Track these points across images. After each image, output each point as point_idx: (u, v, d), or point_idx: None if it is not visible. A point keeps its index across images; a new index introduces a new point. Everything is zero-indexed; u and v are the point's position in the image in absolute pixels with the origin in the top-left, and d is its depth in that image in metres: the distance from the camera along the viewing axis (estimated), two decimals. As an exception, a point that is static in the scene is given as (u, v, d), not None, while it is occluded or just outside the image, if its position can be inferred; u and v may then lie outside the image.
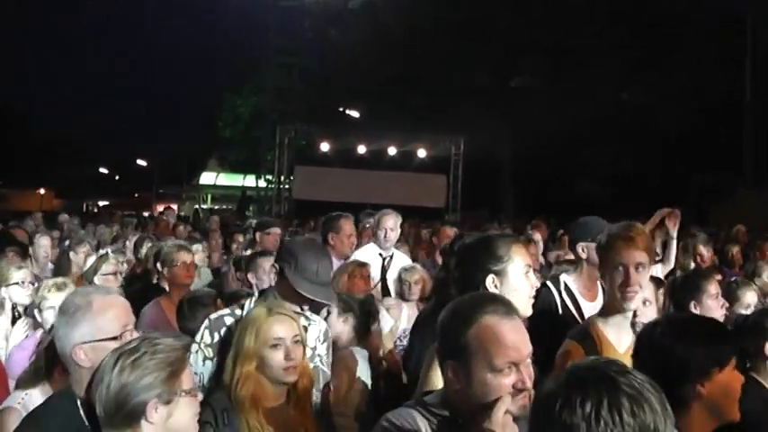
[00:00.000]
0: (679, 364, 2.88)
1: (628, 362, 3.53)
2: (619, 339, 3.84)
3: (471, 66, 34.32)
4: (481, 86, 34.97)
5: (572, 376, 2.06)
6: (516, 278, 3.68)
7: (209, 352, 4.21)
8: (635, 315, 4.73)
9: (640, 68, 31.72)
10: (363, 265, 6.77)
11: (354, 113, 40.49)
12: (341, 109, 40.53)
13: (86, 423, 2.95)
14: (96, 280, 6.42)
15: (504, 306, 2.73)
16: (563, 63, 33.30)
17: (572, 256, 6.19)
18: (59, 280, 5.75)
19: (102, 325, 3.07)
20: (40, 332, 5.34)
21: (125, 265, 7.56)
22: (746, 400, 3.78)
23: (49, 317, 5.20)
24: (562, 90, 32.39)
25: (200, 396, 2.93)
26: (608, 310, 3.93)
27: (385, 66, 35.54)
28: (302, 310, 4.33)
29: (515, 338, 2.64)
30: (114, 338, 3.05)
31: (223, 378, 3.77)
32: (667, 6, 31.43)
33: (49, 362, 3.38)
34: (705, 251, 9.71)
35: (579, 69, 32.85)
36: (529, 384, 2.60)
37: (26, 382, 3.50)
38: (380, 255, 8.02)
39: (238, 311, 4.31)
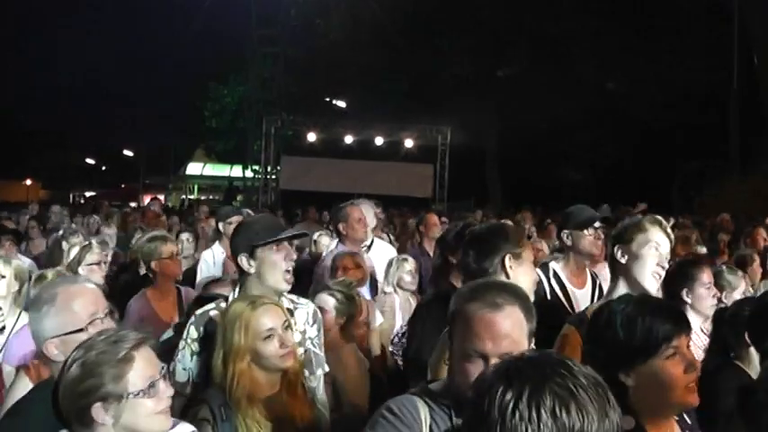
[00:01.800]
0: (603, 356, 2.74)
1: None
2: None
3: (457, 55, 34.29)
4: (467, 76, 34.93)
5: (509, 363, 1.92)
6: (529, 263, 3.89)
7: (197, 347, 4.19)
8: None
9: (626, 57, 31.70)
10: (353, 254, 6.73)
11: (341, 104, 40.43)
12: (327, 99, 40.46)
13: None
14: (81, 270, 6.39)
15: (502, 296, 2.67)
16: (548, 52, 33.28)
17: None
18: (60, 269, 5.76)
19: (67, 317, 3.06)
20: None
21: (109, 256, 7.51)
22: (720, 379, 3.93)
23: None
24: (548, 79, 32.38)
25: (166, 391, 2.80)
26: (614, 293, 3.91)
27: (371, 56, 35.46)
28: (282, 294, 4.31)
29: (494, 330, 2.59)
30: (81, 330, 3.03)
31: (214, 376, 3.75)
32: None
33: None
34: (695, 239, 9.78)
35: (564, 57, 32.85)
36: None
37: None
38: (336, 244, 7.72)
39: (223, 304, 4.28)
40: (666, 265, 4.10)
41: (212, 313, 4.27)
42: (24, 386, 3.47)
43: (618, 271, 4.01)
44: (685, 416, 3.02)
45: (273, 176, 33.84)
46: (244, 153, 40.36)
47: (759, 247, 9.29)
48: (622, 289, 3.94)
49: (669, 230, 4.00)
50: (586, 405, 1.78)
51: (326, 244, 8.12)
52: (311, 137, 32.21)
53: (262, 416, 3.63)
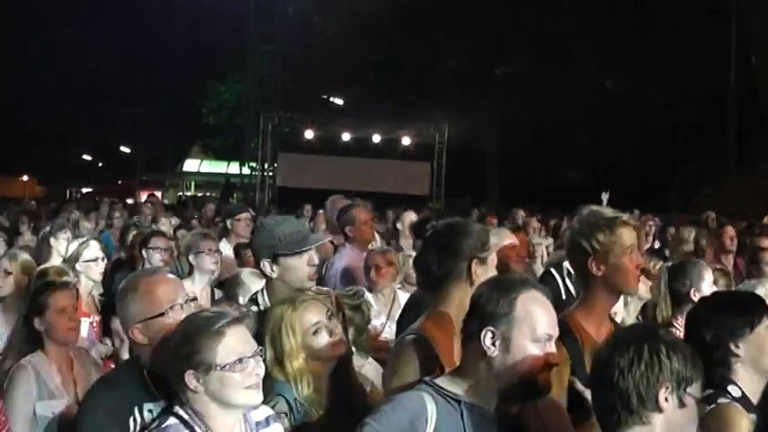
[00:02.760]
0: (713, 333, 3.37)
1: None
2: (598, 331, 3.69)
3: (456, 53, 34.28)
4: (465, 74, 34.93)
5: (621, 333, 2.73)
6: (492, 267, 3.77)
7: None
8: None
9: (626, 56, 31.71)
10: (384, 251, 6.75)
11: (339, 101, 40.42)
12: (325, 97, 40.44)
13: (154, 391, 3.19)
14: (78, 267, 6.39)
15: (542, 290, 2.96)
16: (547, 51, 33.29)
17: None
18: (62, 266, 5.77)
19: (149, 303, 3.26)
20: None
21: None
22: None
23: None
24: (547, 78, 32.39)
25: (257, 369, 2.99)
26: (593, 303, 3.73)
27: (369, 54, 35.43)
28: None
29: (552, 315, 2.88)
30: (162, 314, 3.24)
31: (274, 374, 3.75)
32: None
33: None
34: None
35: (564, 57, 32.86)
36: (559, 361, 2.88)
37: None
38: (332, 242, 7.45)
39: (254, 308, 4.31)
40: (643, 264, 4.01)
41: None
42: None
43: (593, 282, 3.71)
44: None
45: (270, 173, 33.83)
46: (241, 150, 40.36)
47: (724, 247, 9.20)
48: (603, 298, 3.72)
49: (635, 224, 3.82)
50: (684, 351, 2.53)
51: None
52: (308, 134, 32.20)
53: (325, 403, 3.70)
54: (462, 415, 2.75)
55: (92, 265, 6.46)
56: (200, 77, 48.27)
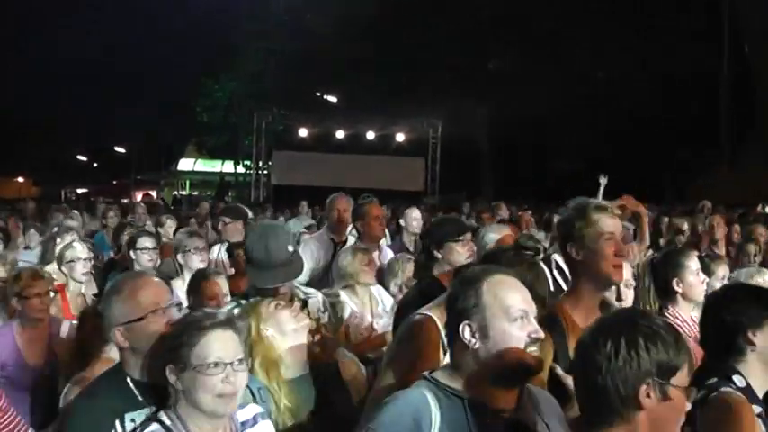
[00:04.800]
0: (734, 317, 3.39)
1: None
2: (587, 320, 3.60)
3: (448, 48, 34.20)
4: (458, 68, 34.85)
5: (600, 323, 2.56)
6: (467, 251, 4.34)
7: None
8: (620, 297, 4.76)
9: (617, 47, 31.64)
10: (363, 250, 6.58)
11: (332, 98, 40.40)
12: (318, 94, 40.41)
13: (140, 398, 3.12)
14: (63, 268, 6.43)
15: (509, 271, 2.99)
16: (539, 43, 33.22)
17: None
18: (36, 269, 5.74)
19: (130, 307, 3.22)
20: (15, 320, 5.32)
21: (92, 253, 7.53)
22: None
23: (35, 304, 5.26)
24: (538, 70, 32.35)
25: (238, 378, 2.92)
26: (579, 291, 3.78)
27: (362, 50, 35.38)
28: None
29: (523, 292, 2.88)
30: (142, 318, 3.19)
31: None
32: None
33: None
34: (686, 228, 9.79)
35: (555, 49, 32.78)
36: (542, 335, 2.83)
37: None
38: (332, 240, 7.57)
39: (243, 301, 4.40)
40: (626, 253, 4.02)
41: (235, 311, 4.38)
42: None
43: (576, 269, 3.80)
44: None
45: (265, 171, 33.83)
46: (235, 148, 40.32)
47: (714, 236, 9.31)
48: (587, 287, 3.75)
49: (616, 211, 3.79)
50: (667, 336, 2.39)
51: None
52: (302, 132, 32.23)
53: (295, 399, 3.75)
54: (466, 412, 2.75)
55: (75, 265, 6.49)
56: (195, 76, 48.08)
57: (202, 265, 6.60)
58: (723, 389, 3.26)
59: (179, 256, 6.74)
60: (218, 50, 43.26)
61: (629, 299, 4.81)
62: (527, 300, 2.86)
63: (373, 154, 32.61)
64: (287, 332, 3.83)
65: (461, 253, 5.08)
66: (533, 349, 2.78)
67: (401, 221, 9.74)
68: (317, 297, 4.72)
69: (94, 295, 6.60)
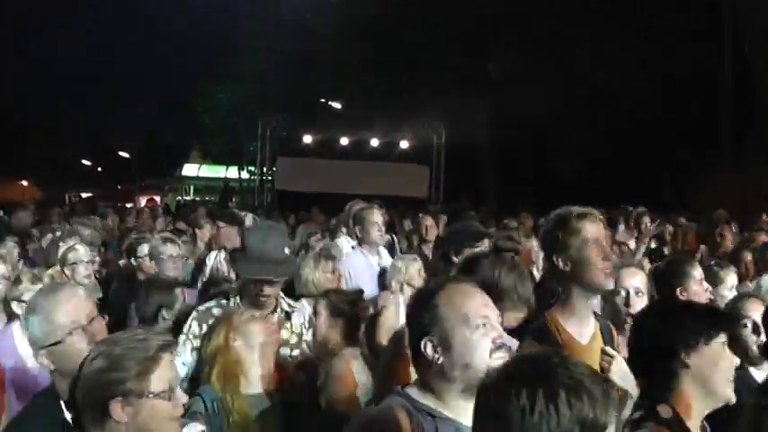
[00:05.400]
0: (668, 337, 3.12)
1: (591, 353, 3.57)
2: (580, 331, 3.72)
3: (448, 48, 34.04)
4: (461, 73, 34.73)
5: (511, 368, 2.10)
6: None
7: (198, 342, 4.26)
8: (628, 303, 4.73)
9: (617, 48, 31.43)
10: (328, 257, 6.48)
11: (336, 105, 40.40)
12: (323, 100, 40.41)
13: (71, 424, 2.91)
14: (66, 270, 6.46)
15: (465, 279, 2.94)
16: (539, 45, 33.03)
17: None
18: (34, 271, 5.73)
19: (48, 328, 3.07)
20: (16, 323, 5.31)
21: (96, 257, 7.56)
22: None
23: None
24: (540, 74, 32.20)
25: (182, 399, 2.81)
26: (570, 301, 3.74)
27: (362, 50, 35.28)
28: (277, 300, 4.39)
29: (482, 298, 2.78)
30: (59, 342, 3.04)
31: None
32: None
33: None
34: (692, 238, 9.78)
35: (556, 52, 32.58)
36: (506, 341, 2.74)
37: None
38: (353, 247, 7.70)
39: (224, 301, 4.37)
40: (612, 258, 3.89)
41: (215, 311, 4.35)
42: None
43: (564, 280, 3.74)
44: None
45: (269, 177, 33.83)
46: (239, 154, 40.31)
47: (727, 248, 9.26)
48: (577, 296, 3.71)
49: (599, 218, 3.76)
50: (593, 388, 1.97)
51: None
52: (306, 138, 32.23)
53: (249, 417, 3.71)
54: (437, 429, 2.67)
55: (77, 267, 6.51)
56: (196, 76, 47.93)
57: (176, 273, 6.61)
58: (647, 424, 3.04)
59: (152, 263, 6.77)
60: (218, 51, 43.12)
61: (637, 307, 4.77)
62: (487, 305, 2.79)
63: (377, 160, 32.60)
64: (254, 345, 3.81)
65: None
66: (500, 355, 2.67)
67: (421, 230, 9.72)
68: (302, 312, 4.68)
69: (99, 300, 6.61)
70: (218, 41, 42.07)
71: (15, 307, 5.30)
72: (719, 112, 30.15)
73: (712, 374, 3.10)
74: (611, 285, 3.81)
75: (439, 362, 2.70)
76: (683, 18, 30.04)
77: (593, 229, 3.68)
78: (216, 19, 41.13)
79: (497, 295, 3.56)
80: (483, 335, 2.69)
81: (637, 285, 4.87)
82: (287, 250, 4.52)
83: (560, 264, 3.69)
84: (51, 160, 65.74)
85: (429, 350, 2.71)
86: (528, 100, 31.06)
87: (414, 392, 2.77)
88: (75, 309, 3.15)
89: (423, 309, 2.77)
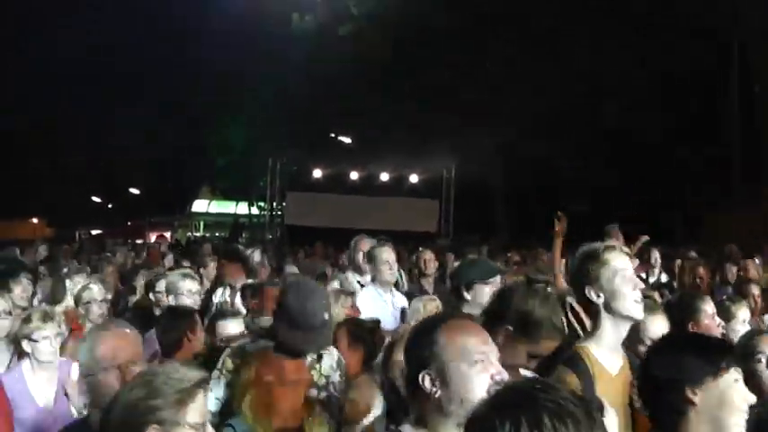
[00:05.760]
0: (673, 371, 3.03)
1: (620, 384, 3.60)
2: (611, 362, 3.78)
3: (459, 88, 34.04)
4: (471, 110, 34.71)
5: (495, 398, 2.09)
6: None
7: (231, 377, 4.35)
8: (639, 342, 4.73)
9: (614, 43, 31.24)
10: (347, 294, 6.60)
11: (346, 139, 40.53)
12: (332, 135, 40.54)
13: None
14: (80, 308, 6.51)
15: (463, 316, 3.04)
16: (536, 40, 32.70)
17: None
18: (46, 309, 5.73)
19: (88, 360, 3.21)
20: (26, 362, 5.31)
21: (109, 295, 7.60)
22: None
23: (44, 347, 5.21)
24: (537, 68, 31.97)
25: None
26: (602, 333, 3.79)
27: (374, 90, 35.31)
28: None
29: (482, 334, 2.83)
30: (93, 375, 3.15)
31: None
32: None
33: None
34: (703, 272, 9.71)
35: (552, 44, 32.29)
36: (505, 376, 2.74)
37: None
38: (358, 282, 7.71)
39: (261, 342, 4.41)
40: (641, 286, 3.95)
41: (248, 347, 4.41)
42: None
43: (597, 311, 3.80)
44: None
45: (279, 212, 33.90)
46: (249, 190, 40.44)
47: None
48: (609, 327, 3.77)
49: (625, 250, 3.91)
50: (577, 412, 1.94)
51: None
52: (317, 173, 32.32)
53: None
54: None
55: (91, 306, 6.56)
56: (207, 117, 48.09)
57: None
58: None
59: (170, 298, 6.79)
60: (230, 92, 43.27)
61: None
62: (486, 341, 2.82)
63: (387, 195, 32.64)
64: (287, 383, 3.85)
65: (490, 295, 5.08)
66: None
67: (420, 265, 9.76)
68: (332, 354, 4.71)
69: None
70: (231, 83, 42.22)
71: (26, 345, 5.29)
72: (731, 147, 30.13)
73: (721, 413, 2.99)
74: (641, 315, 3.83)
75: (436, 395, 2.72)
76: (683, 17, 29.96)
77: (621, 260, 3.77)
78: (227, 61, 41.30)
79: (533, 325, 3.75)
80: (481, 370, 2.72)
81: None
82: (326, 315, 4.44)
83: (593, 295, 3.76)
84: (61, 198, 66.08)
85: (427, 383, 2.73)
86: (540, 137, 31.07)
87: (407, 429, 2.80)
88: (114, 349, 3.24)
89: (422, 343, 2.80)
